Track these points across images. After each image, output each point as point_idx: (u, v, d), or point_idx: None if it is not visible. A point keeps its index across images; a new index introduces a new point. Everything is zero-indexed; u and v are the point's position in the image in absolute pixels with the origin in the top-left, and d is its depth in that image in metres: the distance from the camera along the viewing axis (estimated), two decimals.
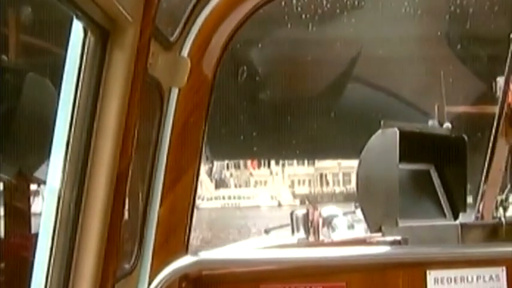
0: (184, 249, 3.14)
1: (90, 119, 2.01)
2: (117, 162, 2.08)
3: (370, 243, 3.68)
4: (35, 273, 1.98)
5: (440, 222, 3.72)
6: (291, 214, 5.42)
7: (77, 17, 1.97)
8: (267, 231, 6.24)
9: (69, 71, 2.01)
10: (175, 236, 3.11)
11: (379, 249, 3.02)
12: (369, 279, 3.30)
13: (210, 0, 3.02)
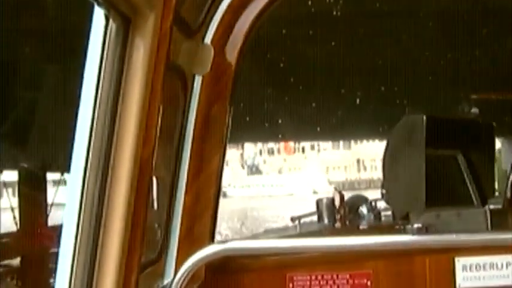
0: (210, 237, 3.14)
1: (112, 107, 2.01)
2: (140, 150, 2.07)
3: (397, 231, 3.65)
4: (60, 262, 1.98)
5: (467, 208, 3.68)
6: (317, 201, 5.40)
7: (98, 4, 1.96)
8: (293, 219, 6.22)
9: (91, 59, 2.00)
10: (201, 224, 3.10)
11: (405, 236, 2.98)
12: (396, 266, 3.28)
13: None
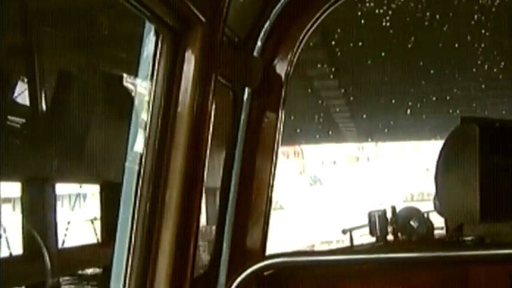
0: (261, 250, 3.13)
1: (163, 119, 2.02)
2: (192, 161, 2.08)
3: (450, 243, 3.58)
4: (114, 271, 2.00)
5: None
6: (369, 214, 5.35)
7: (148, 19, 1.99)
8: (344, 232, 6.16)
9: (142, 73, 2.02)
10: (252, 236, 3.10)
11: (459, 249, 2.92)
12: (449, 280, 3.21)
13: (280, 0, 2.99)
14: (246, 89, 3.00)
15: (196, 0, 1.99)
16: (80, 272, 19.64)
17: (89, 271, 20.05)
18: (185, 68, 2.04)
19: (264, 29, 3.00)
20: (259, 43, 2.99)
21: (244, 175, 3.03)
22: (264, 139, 3.08)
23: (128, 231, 1.99)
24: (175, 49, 2.03)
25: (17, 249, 18.39)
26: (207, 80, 2.11)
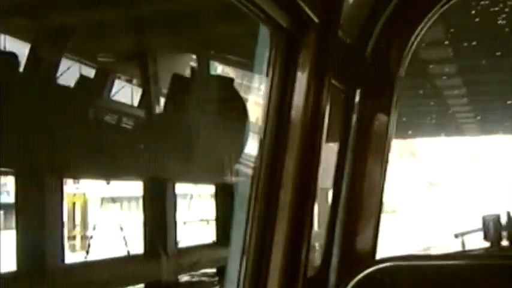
0: (372, 254, 3.09)
1: (278, 122, 2.04)
2: (306, 162, 2.08)
3: None
4: (228, 270, 2.03)
5: None
6: (483, 218, 5.20)
7: (263, 22, 2.01)
8: (456, 236, 6.02)
9: (256, 76, 2.05)
10: (363, 239, 3.07)
11: None
12: None
13: (391, 1, 2.96)
14: (358, 90, 2.98)
15: (311, 3, 2.00)
16: (196, 272, 20.04)
17: (204, 272, 20.40)
18: (299, 70, 2.05)
19: (375, 30, 2.97)
20: (370, 44, 2.96)
21: (355, 177, 3.01)
22: (375, 140, 3.05)
23: (242, 231, 2.02)
24: (289, 52, 2.04)
25: (136, 248, 18.91)
26: (321, 83, 2.11)
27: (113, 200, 25.32)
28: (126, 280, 17.05)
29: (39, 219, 15.13)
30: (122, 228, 21.19)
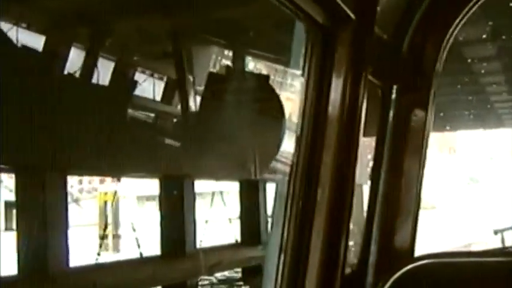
0: (410, 251, 3.06)
1: (315, 118, 2.03)
2: (343, 159, 2.08)
3: None
4: (266, 267, 2.03)
5: None
6: None
7: (299, 18, 2.00)
8: (496, 232, 5.94)
9: (292, 73, 2.05)
10: (401, 237, 3.04)
11: None
12: None
13: None
14: (394, 86, 2.96)
15: None
16: (218, 273, 19.67)
17: (228, 273, 20.14)
18: (336, 66, 2.04)
19: (411, 25, 2.94)
20: (406, 39, 2.93)
21: (392, 174, 2.99)
22: (412, 136, 3.03)
23: (280, 229, 2.02)
24: (326, 48, 2.04)
25: (155, 249, 18.66)
26: (358, 79, 2.10)
27: (147, 198, 25.17)
28: (135, 285, 16.43)
29: (39, 219, 14.05)
30: (134, 229, 20.88)
